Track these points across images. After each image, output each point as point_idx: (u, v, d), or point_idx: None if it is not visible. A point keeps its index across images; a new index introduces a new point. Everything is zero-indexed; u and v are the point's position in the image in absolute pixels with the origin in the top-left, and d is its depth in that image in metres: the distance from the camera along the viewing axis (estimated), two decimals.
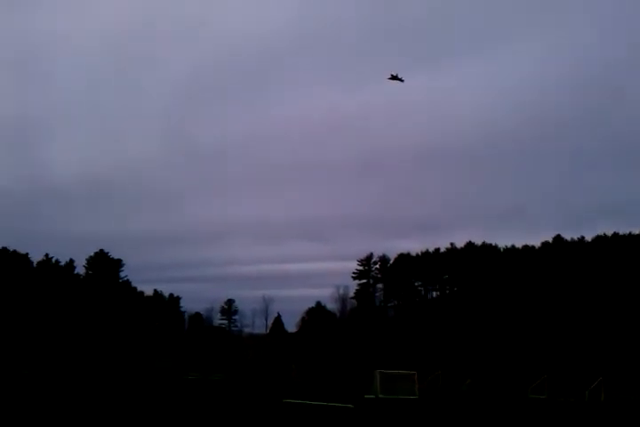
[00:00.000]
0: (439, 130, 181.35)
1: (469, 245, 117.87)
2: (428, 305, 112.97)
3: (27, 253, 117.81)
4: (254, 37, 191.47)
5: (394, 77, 45.46)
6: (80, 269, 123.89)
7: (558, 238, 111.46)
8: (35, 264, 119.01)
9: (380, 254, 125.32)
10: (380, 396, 42.56)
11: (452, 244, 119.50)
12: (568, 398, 49.68)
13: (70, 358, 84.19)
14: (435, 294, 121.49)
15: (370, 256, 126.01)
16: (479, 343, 79.77)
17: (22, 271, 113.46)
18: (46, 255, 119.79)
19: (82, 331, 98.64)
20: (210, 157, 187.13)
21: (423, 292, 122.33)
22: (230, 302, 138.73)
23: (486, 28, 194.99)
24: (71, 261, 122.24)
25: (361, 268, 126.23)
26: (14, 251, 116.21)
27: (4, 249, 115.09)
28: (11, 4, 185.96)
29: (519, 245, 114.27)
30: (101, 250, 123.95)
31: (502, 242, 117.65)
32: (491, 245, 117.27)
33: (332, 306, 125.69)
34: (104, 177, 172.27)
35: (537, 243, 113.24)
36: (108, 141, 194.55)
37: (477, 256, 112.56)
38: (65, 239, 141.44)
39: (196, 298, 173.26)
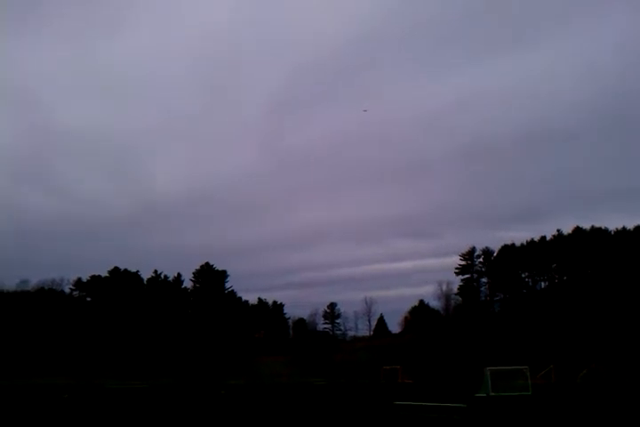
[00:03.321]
0: (538, 113, 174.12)
1: (577, 230, 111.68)
2: (537, 296, 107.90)
3: (137, 271, 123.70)
4: (340, 39, 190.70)
5: None
6: (187, 282, 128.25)
7: None
8: (145, 281, 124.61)
9: (483, 247, 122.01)
10: (492, 394, 40.74)
11: (558, 230, 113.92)
12: None
13: (185, 367, 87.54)
14: (543, 284, 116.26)
15: (472, 250, 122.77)
16: (592, 334, 75.04)
17: (134, 288, 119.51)
18: (155, 271, 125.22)
19: (193, 341, 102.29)
20: (305, 162, 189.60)
21: (531, 283, 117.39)
22: (333, 305, 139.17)
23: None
24: (179, 275, 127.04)
25: (463, 262, 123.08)
26: (125, 269, 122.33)
27: (116, 269, 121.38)
28: (102, 27, 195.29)
29: (631, 226, 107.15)
30: (207, 263, 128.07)
31: (612, 224, 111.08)
32: (600, 228, 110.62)
33: (435, 303, 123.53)
34: (203, 191, 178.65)
35: None
36: (206, 155, 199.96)
37: (587, 241, 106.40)
38: (171, 254, 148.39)
39: (299, 304, 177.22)
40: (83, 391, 50.30)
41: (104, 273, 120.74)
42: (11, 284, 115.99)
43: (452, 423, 22.21)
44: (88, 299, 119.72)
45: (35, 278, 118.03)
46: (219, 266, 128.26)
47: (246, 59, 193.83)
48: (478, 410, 28.66)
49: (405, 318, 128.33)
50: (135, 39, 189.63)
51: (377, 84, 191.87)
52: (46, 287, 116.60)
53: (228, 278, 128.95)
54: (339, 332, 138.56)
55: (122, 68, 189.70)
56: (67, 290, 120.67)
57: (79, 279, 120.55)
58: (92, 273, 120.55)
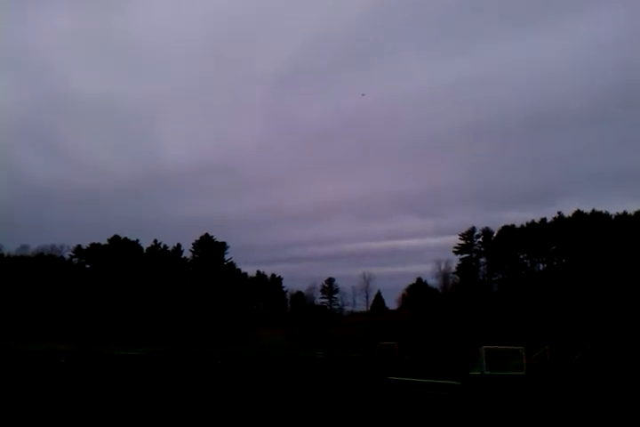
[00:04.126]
0: (542, 95, 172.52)
1: (578, 213, 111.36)
2: (535, 278, 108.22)
3: (137, 240, 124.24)
4: (351, 13, 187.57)
5: None
6: (187, 253, 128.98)
7: None
8: (145, 250, 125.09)
9: (483, 227, 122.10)
10: (486, 372, 40.97)
11: (559, 213, 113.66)
12: None
13: (183, 335, 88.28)
14: (542, 266, 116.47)
15: (472, 230, 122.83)
16: (589, 317, 75.41)
17: (134, 257, 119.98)
18: (155, 241, 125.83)
19: (191, 311, 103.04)
20: (311, 137, 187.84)
21: (529, 264, 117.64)
22: (331, 280, 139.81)
23: None
24: (178, 245, 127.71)
25: (463, 242, 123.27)
26: (125, 238, 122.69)
27: (116, 237, 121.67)
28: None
29: (631, 211, 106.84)
30: (206, 234, 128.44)
31: (613, 209, 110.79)
32: (601, 212, 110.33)
33: (433, 282, 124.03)
34: (207, 162, 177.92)
35: None
36: (211, 127, 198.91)
37: (587, 225, 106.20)
38: (172, 225, 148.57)
39: (298, 277, 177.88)
40: (80, 357, 50.73)
41: (104, 241, 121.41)
42: (11, 248, 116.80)
43: (445, 400, 22.30)
44: (87, 266, 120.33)
45: (35, 244, 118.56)
46: (219, 238, 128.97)
47: (260, 30, 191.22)
48: (472, 388, 28.80)
49: (403, 295, 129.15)
50: (150, 8, 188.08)
51: (388, 60, 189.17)
52: (46, 253, 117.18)
53: (228, 250, 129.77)
54: (336, 307, 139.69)
55: (136, 36, 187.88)
56: (66, 256, 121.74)
57: (79, 246, 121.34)
58: (92, 241, 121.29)
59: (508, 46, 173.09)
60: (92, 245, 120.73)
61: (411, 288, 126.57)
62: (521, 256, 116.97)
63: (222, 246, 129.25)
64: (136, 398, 20.11)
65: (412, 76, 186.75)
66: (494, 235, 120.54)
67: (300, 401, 20.57)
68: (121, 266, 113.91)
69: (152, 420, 15.02)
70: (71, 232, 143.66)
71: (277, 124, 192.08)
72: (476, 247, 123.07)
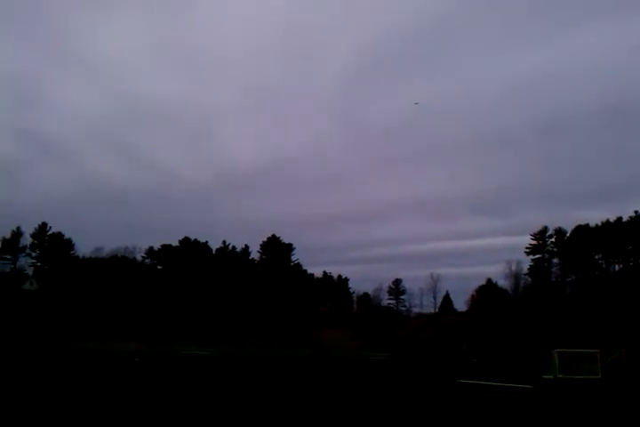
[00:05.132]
0: (622, 86, 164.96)
1: None
2: (610, 279, 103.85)
3: (206, 241, 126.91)
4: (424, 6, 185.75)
5: None
6: (254, 254, 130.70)
7: None
8: (214, 251, 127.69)
9: (556, 227, 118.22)
10: (559, 376, 39.63)
11: (636, 211, 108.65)
12: None
13: (252, 336, 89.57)
14: (617, 267, 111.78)
15: (544, 229, 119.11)
16: None
17: (203, 258, 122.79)
18: (224, 242, 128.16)
19: (259, 311, 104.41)
20: (378, 135, 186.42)
21: (604, 265, 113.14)
22: (398, 281, 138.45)
23: None
24: (246, 246, 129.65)
25: (535, 242, 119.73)
26: (195, 239, 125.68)
27: (187, 238, 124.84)
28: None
29: None
30: (273, 235, 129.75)
31: None
32: None
33: (503, 283, 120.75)
34: (275, 164, 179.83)
35: None
36: (279, 127, 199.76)
37: None
38: (240, 226, 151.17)
39: (364, 278, 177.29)
40: (152, 356, 52.25)
41: (175, 242, 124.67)
42: (86, 251, 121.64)
43: (518, 404, 21.64)
44: (159, 267, 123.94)
45: (108, 246, 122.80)
46: (286, 239, 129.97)
47: (326, 28, 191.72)
48: (545, 392, 27.91)
49: (472, 296, 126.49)
50: (219, 12, 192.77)
51: (454, 57, 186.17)
52: (119, 255, 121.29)
53: (294, 251, 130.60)
54: (403, 308, 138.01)
55: (204, 41, 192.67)
56: (139, 258, 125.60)
57: (151, 248, 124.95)
58: (164, 242, 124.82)
59: (580, 39, 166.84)
60: (164, 246, 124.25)
61: (480, 289, 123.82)
62: (596, 257, 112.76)
63: (289, 247, 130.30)
64: (210, 397, 20.48)
65: (480, 72, 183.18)
66: (567, 235, 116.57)
67: (371, 404, 20.45)
68: (191, 267, 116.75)
69: (229, 418, 15.23)
70: (143, 234, 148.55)
71: (345, 123, 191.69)
72: (548, 248, 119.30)
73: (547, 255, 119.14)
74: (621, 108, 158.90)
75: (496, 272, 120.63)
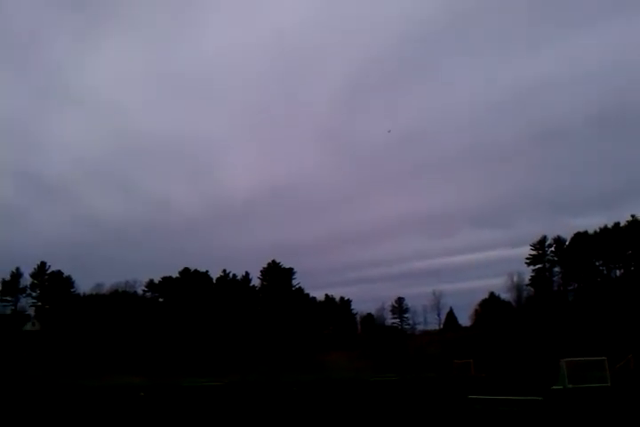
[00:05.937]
0: (614, 94, 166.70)
1: None
2: (613, 285, 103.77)
3: (206, 271, 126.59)
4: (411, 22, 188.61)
5: None
6: (255, 280, 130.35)
7: None
8: (214, 280, 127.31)
9: (555, 236, 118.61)
10: (569, 386, 39.35)
11: (632, 216, 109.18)
12: None
13: (256, 364, 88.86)
14: (618, 272, 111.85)
15: (543, 239, 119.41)
16: None
17: (204, 288, 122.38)
18: (224, 271, 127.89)
19: (262, 338, 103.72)
20: (372, 155, 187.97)
21: (605, 271, 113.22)
22: (400, 300, 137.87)
23: None
24: (247, 273, 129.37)
25: (535, 252, 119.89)
26: (195, 270, 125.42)
27: (187, 269, 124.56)
28: (180, 22, 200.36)
29: None
30: (273, 261, 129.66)
31: None
32: None
33: (506, 295, 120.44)
34: (271, 190, 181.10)
35: None
36: (271, 153, 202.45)
37: None
38: (239, 254, 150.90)
39: (367, 299, 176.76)
40: (158, 390, 51.75)
41: (175, 274, 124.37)
42: (86, 288, 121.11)
43: (529, 416, 21.51)
44: (160, 299, 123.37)
45: (109, 281, 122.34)
46: (285, 263, 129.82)
47: (317, 55, 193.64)
48: (555, 403, 27.74)
49: (476, 310, 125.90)
50: (218, 45, 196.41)
51: (449, 72, 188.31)
52: (120, 290, 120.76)
53: (295, 275, 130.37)
54: (407, 326, 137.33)
55: (201, 70, 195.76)
56: (140, 291, 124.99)
57: (151, 281, 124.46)
58: (164, 274, 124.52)
59: (574, 47, 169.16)
60: (164, 278, 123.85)
61: (483, 303, 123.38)
62: (596, 263, 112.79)
63: (289, 272, 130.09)
64: None
65: (474, 84, 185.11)
66: (567, 243, 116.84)
67: (382, 423, 20.33)
68: (192, 297, 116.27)
69: None
70: (143, 267, 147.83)
71: (338, 145, 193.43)
72: (548, 257, 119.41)
73: (547, 265, 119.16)
74: (619, 113, 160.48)
75: (498, 285, 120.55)
